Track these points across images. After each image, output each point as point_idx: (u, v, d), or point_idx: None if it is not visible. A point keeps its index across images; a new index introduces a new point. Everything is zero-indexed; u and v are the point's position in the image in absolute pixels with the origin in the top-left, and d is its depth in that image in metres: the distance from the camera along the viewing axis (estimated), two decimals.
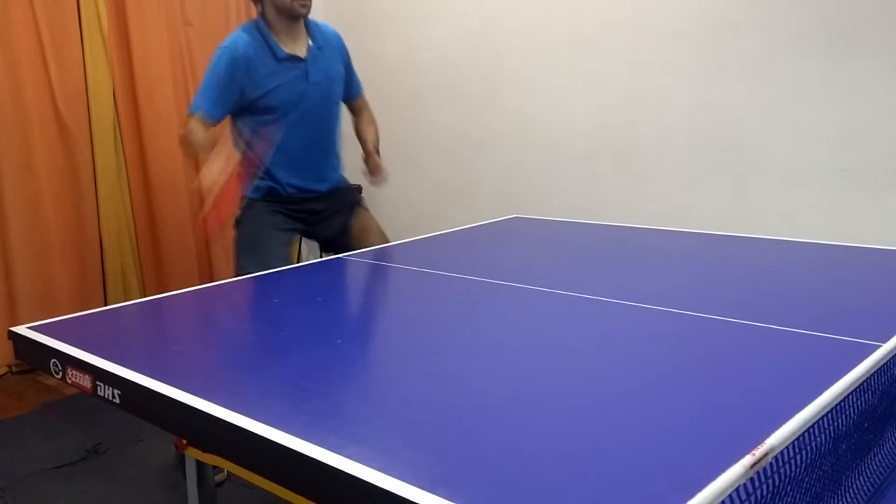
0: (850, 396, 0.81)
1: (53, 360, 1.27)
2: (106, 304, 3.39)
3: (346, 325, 1.43)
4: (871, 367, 0.86)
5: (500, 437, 0.89)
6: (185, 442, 1.40)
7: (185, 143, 2.29)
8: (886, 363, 0.94)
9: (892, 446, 0.95)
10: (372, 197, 4.44)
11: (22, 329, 1.38)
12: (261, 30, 2.27)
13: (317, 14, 4.50)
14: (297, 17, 2.26)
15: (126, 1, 3.41)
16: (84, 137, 3.34)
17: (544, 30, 3.39)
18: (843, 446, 0.81)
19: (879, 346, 1.06)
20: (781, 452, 0.68)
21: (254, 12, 3.97)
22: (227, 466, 1.35)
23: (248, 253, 2.30)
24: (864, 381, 0.83)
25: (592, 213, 3.24)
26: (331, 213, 2.49)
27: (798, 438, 0.71)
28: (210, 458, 1.39)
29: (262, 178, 2.38)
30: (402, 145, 4.00)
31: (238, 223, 2.41)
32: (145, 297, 3.52)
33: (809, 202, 2.77)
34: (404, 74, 3.92)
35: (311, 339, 1.36)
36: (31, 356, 1.36)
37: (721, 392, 0.99)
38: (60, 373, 1.26)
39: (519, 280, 1.65)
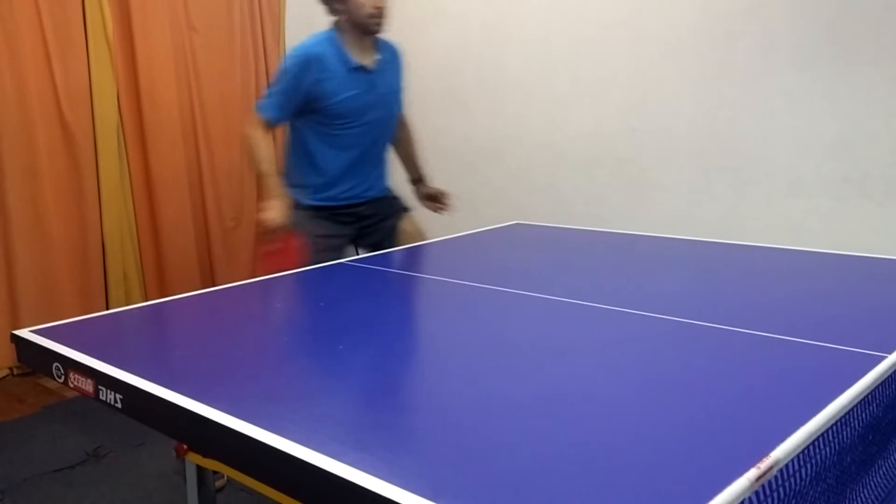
0: (855, 409, 0.80)
1: (56, 364, 1.27)
2: (108, 307, 3.39)
3: (348, 330, 1.43)
4: (876, 379, 0.85)
5: (502, 446, 0.89)
6: (185, 447, 1.40)
7: (247, 150, 2.36)
8: (891, 375, 0.93)
9: None
10: None
11: (25, 332, 1.38)
12: (334, 39, 2.32)
13: (318, 18, 4.50)
14: (370, 32, 2.34)
15: (131, 5, 3.42)
16: (87, 140, 3.35)
17: (546, 36, 3.39)
18: (848, 459, 0.80)
19: (883, 357, 1.05)
20: (786, 465, 0.68)
21: (257, 20, 4.01)
22: (228, 472, 1.35)
23: None
24: (868, 393, 0.82)
25: (594, 219, 3.24)
26: (379, 220, 2.54)
27: (803, 451, 0.70)
28: (210, 464, 1.39)
29: (315, 185, 2.41)
30: None
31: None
32: (147, 300, 3.52)
33: (812, 210, 2.76)
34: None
35: (313, 344, 1.36)
36: (34, 360, 1.36)
37: (725, 403, 0.98)
38: (63, 377, 1.26)
39: (521, 287, 1.65)
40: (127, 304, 3.34)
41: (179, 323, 1.56)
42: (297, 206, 2.43)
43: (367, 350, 1.30)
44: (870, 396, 0.84)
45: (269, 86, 2.37)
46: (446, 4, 3.70)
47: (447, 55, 3.75)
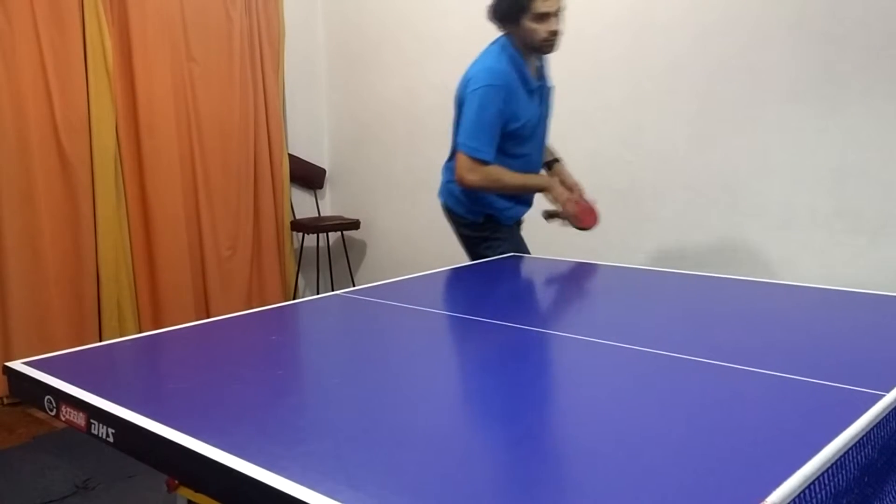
0: (851, 451, 0.80)
1: (48, 397, 1.26)
2: (101, 338, 3.38)
3: (343, 364, 1.42)
4: (872, 420, 0.85)
5: (493, 484, 0.88)
6: (176, 481, 1.38)
7: (496, 185, 2.36)
8: (887, 414, 0.93)
9: (893, 501, 0.94)
10: (371, 234, 4.45)
11: (17, 364, 1.37)
12: (514, 59, 2.33)
13: (318, 54, 4.52)
14: (542, 53, 2.38)
15: (131, 35, 3.46)
16: (85, 170, 3.36)
17: None
18: (844, 502, 0.80)
19: (878, 395, 1.05)
20: None
21: (256, 51, 4.01)
22: None
23: None
24: (864, 436, 0.82)
25: (590, 252, 3.25)
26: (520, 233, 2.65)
27: (798, 496, 0.70)
28: (202, 499, 1.37)
29: (510, 204, 2.48)
30: (401, 182, 4.02)
31: (494, 245, 2.49)
32: (141, 329, 3.50)
33: (804, 245, 2.78)
34: (404, 113, 3.96)
35: (308, 378, 1.35)
36: (26, 392, 1.34)
37: (718, 446, 0.97)
38: (54, 409, 1.25)
39: (516, 320, 1.65)
40: (120, 334, 3.33)
41: (173, 355, 1.55)
42: (493, 219, 2.45)
43: (363, 384, 1.29)
44: (865, 438, 0.84)
45: (464, 121, 2.32)
46: (444, 41, 3.75)
47: (445, 91, 3.78)
